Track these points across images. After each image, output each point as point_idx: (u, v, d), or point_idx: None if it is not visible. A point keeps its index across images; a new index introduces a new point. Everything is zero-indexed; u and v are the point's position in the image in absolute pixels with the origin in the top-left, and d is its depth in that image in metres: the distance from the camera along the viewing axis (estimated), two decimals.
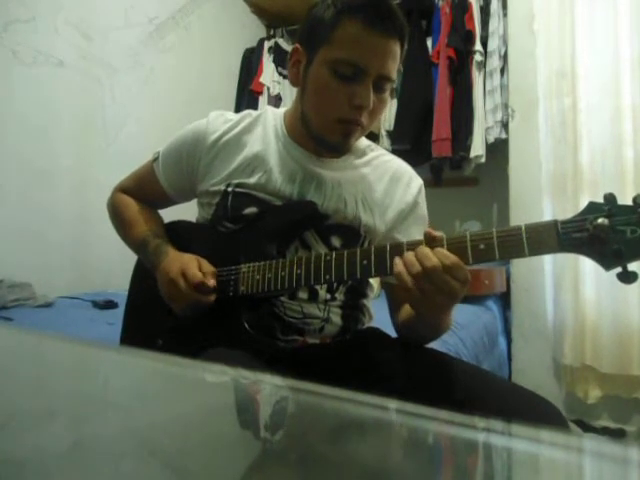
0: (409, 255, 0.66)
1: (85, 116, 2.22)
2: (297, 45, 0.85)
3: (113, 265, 2.03)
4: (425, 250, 0.65)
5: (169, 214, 1.05)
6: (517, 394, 0.74)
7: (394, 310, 0.91)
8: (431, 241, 0.67)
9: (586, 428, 1.99)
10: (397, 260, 0.67)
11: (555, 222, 0.61)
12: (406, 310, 0.85)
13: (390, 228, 0.91)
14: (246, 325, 0.82)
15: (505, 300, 2.30)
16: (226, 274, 0.85)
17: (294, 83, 0.87)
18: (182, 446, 0.26)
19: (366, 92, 0.78)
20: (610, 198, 0.60)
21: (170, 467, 0.24)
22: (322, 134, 0.84)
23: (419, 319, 0.79)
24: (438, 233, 0.68)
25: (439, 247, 0.66)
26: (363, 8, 0.77)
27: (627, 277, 0.59)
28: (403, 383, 0.78)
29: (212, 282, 0.81)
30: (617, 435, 1.95)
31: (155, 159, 0.98)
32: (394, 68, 0.80)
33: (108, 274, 2.16)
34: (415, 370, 0.80)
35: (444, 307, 0.70)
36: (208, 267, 0.84)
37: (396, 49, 0.79)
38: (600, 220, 0.59)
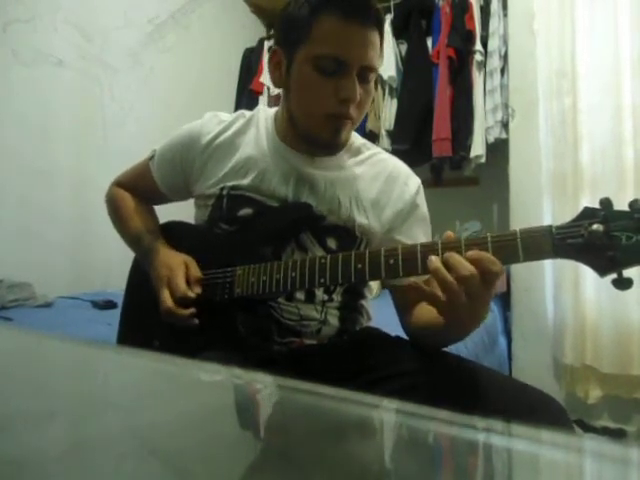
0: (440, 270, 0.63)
1: (84, 116, 2.22)
2: (275, 47, 0.85)
3: (112, 265, 2.03)
4: (457, 258, 0.62)
5: (166, 214, 1.05)
6: (518, 390, 0.74)
7: (404, 314, 0.88)
8: (425, 246, 0.67)
9: (586, 428, 1.98)
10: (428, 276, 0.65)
11: (550, 227, 0.60)
12: (423, 316, 0.82)
13: (389, 229, 0.90)
14: (240, 328, 0.82)
15: (505, 300, 2.29)
16: (221, 276, 0.84)
17: (277, 85, 0.87)
18: (182, 446, 0.26)
19: (352, 84, 0.78)
20: (606, 203, 0.59)
21: (169, 467, 0.24)
22: (312, 132, 0.84)
23: (447, 327, 0.73)
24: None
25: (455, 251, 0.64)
26: (338, 1, 0.77)
27: (622, 284, 0.58)
28: (403, 382, 0.78)
29: (196, 290, 0.82)
30: (617, 435, 1.95)
31: (151, 157, 0.99)
32: (376, 57, 0.80)
33: (107, 274, 2.16)
34: (415, 369, 0.79)
35: (475, 311, 0.67)
36: (195, 272, 0.84)
37: (375, 38, 0.79)
38: (595, 226, 0.58)
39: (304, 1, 0.79)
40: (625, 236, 0.57)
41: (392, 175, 0.92)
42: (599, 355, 1.93)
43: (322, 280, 0.74)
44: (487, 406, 0.69)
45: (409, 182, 0.92)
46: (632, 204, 0.57)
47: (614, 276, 0.59)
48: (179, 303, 0.80)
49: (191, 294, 0.81)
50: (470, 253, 0.62)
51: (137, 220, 0.97)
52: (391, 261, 0.68)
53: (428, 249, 0.66)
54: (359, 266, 0.71)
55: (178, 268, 0.83)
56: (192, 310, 0.80)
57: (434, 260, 0.63)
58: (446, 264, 0.63)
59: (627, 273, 0.58)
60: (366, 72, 0.79)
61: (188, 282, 0.82)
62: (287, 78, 0.83)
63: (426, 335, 0.82)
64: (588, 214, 0.60)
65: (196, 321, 0.81)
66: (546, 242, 0.60)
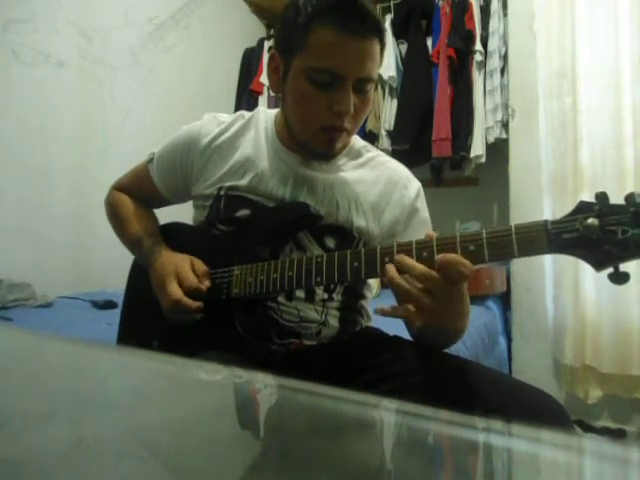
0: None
1: (85, 116, 2.22)
2: (274, 52, 0.83)
3: (112, 265, 2.02)
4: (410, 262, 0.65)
5: (165, 216, 1.05)
6: (518, 388, 0.74)
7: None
8: (421, 243, 0.67)
9: (586, 428, 1.98)
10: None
11: (545, 222, 0.60)
12: None
13: (390, 234, 0.89)
14: (239, 328, 0.82)
15: (505, 300, 2.29)
16: (219, 276, 0.84)
17: (274, 90, 0.86)
18: (182, 446, 0.26)
19: (346, 98, 0.76)
20: (601, 197, 0.58)
21: (169, 467, 0.24)
22: (306, 142, 0.83)
23: (434, 327, 0.72)
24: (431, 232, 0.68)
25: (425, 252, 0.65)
26: (334, 11, 0.73)
27: (619, 278, 0.57)
28: (403, 381, 0.78)
29: (206, 283, 0.82)
30: (617, 435, 1.95)
31: (150, 160, 0.98)
32: (374, 68, 0.78)
33: (107, 274, 2.16)
34: (415, 368, 0.79)
35: (451, 308, 0.68)
36: (201, 266, 0.84)
37: (374, 48, 0.76)
38: (590, 220, 0.57)
39: (301, 8, 0.76)
40: (621, 230, 0.56)
41: (392, 179, 0.91)
42: (599, 355, 1.93)
43: (319, 279, 0.74)
44: (487, 404, 0.69)
45: (409, 186, 0.91)
46: (628, 198, 0.57)
47: (610, 270, 0.58)
48: (189, 296, 0.80)
49: (202, 286, 0.81)
50: (439, 257, 0.63)
51: (137, 223, 0.96)
52: (387, 259, 0.69)
53: (424, 246, 0.66)
54: (355, 264, 0.71)
55: (184, 263, 0.83)
56: (200, 303, 0.80)
57: (389, 269, 0.66)
58: (400, 269, 0.65)
59: (624, 268, 0.58)
60: (363, 83, 0.77)
61: (196, 276, 0.82)
62: (283, 85, 0.82)
63: (424, 335, 0.82)
64: (584, 208, 0.59)
65: (200, 316, 0.81)
66: (541, 237, 0.60)
